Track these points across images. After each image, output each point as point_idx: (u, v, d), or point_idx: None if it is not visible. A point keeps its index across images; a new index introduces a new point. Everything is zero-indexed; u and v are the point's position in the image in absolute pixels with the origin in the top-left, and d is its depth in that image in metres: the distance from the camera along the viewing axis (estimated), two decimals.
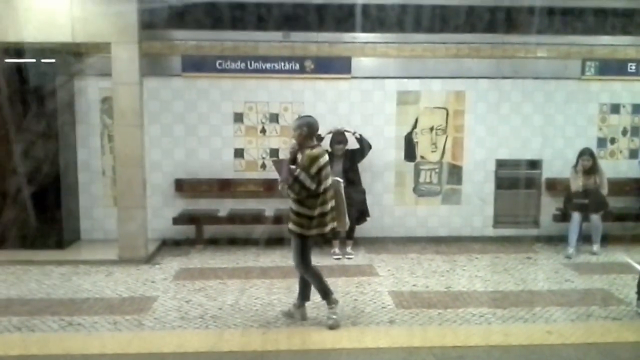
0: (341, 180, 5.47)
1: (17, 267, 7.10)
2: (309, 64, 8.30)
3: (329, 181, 5.14)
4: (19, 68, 7.64)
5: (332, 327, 5.15)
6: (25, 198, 7.66)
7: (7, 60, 7.65)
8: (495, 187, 8.69)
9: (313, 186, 4.98)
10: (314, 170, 4.96)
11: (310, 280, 5.29)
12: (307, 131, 5.13)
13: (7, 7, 6.94)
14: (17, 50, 7.39)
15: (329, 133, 7.90)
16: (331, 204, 5.18)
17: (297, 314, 5.39)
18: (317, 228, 5.09)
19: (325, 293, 5.25)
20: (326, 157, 5.17)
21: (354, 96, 8.45)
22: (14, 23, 6.94)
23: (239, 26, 8.10)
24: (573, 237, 7.80)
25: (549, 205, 8.64)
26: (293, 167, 5.09)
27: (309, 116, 5.42)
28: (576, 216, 7.83)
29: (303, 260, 5.21)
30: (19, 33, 6.96)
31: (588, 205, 7.83)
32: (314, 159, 4.99)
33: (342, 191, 5.37)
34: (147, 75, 7.69)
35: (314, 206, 5.04)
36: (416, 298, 6.04)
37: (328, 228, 5.16)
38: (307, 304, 5.46)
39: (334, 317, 5.21)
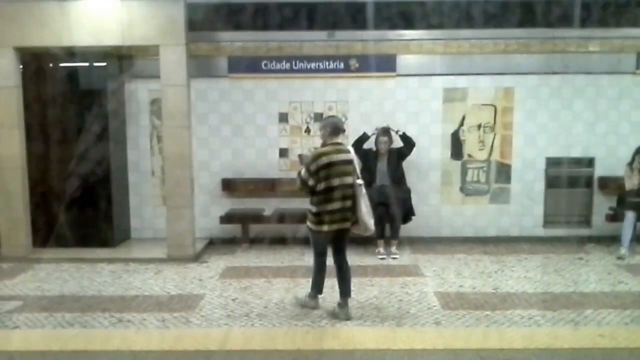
0: (361, 182, 5.38)
1: (70, 264, 7.34)
2: (353, 63, 8.28)
3: (336, 181, 5.16)
4: (72, 72, 7.90)
5: (296, 299, 5.79)
6: (78, 198, 7.91)
7: (61, 65, 7.91)
8: (545, 185, 8.48)
9: (311, 182, 5.16)
10: (313, 167, 5.13)
11: (313, 269, 5.59)
12: (330, 130, 5.34)
13: (61, 13, 7.17)
14: (70, 54, 7.64)
15: (374, 133, 7.90)
16: (339, 204, 5.21)
17: (341, 314, 5.37)
18: (317, 225, 5.26)
19: (315, 287, 5.61)
20: (336, 157, 5.18)
21: (400, 94, 8.38)
22: (67, 28, 7.17)
23: (284, 26, 8.14)
24: (627, 237, 7.52)
25: (602, 205, 8.37)
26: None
27: (334, 116, 5.71)
28: (630, 215, 7.55)
29: (313, 250, 5.52)
30: (71, 38, 7.20)
31: None
32: (317, 157, 5.17)
33: (360, 194, 5.31)
34: (194, 76, 7.83)
35: (315, 203, 5.25)
36: (463, 299, 5.94)
37: (326, 227, 5.22)
38: (351, 304, 5.45)
39: (301, 299, 5.73)
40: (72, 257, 7.52)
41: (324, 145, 5.35)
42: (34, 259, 7.52)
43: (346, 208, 5.25)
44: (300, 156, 5.52)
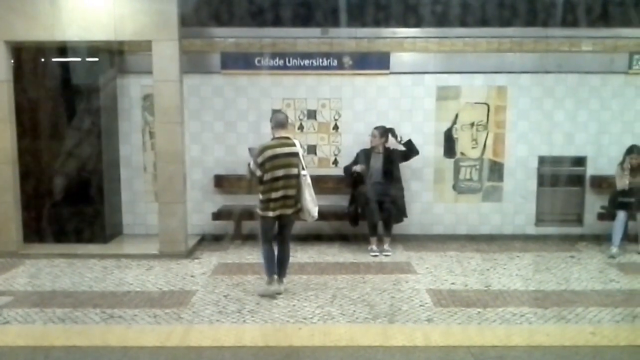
0: (305, 173, 5.87)
1: (61, 260, 7.31)
2: (347, 60, 8.27)
3: (281, 172, 5.71)
4: (64, 66, 7.84)
5: (258, 292, 6.01)
6: (70, 193, 7.89)
7: (53, 59, 7.85)
8: (537, 184, 8.51)
9: (258, 172, 5.75)
10: (260, 159, 5.72)
11: (262, 254, 6.05)
12: (273, 125, 5.96)
13: (52, 7, 7.11)
14: (62, 49, 7.57)
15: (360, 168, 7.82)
16: (282, 192, 5.74)
17: (273, 289, 6.01)
18: (263, 211, 5.81)
19: (268, 271, 6.01)
20: (279, 150, 5.74)
21: (393, 92, 8.38)
22: (59, 22, 7.11)
23: (278, 23, 8.13)
24: (618, 236, 7.56)
25: (594, 203, 8.41)
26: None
27: (279, 112, 6.52)
28: (621, 215, 7.59)
29: (261, 237, 6.00)
30: (63, 32, 7.13)
31: (634, 204, 7.58)
32: (262, 149, 5.76)
33: (304, 184, 5.81)
34: (187, 72, 7.78)
35: (262, 191, 5.79)
36: (455, 296, 5.95)
37: (271, 213, 5.77)
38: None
39: (261, 290, 6.01)
40: (63, 252, 7.48)
41: (273, 136, 5.93)
42: (25, 254, 7.46)
43: (289, 196, 5.80)
44: (249, 149, 6.06)
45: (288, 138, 5.91)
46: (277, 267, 6.05)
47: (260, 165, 5.72)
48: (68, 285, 6.36)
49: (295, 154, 5.81)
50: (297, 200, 5.84)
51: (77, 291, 6.14)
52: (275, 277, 6.03)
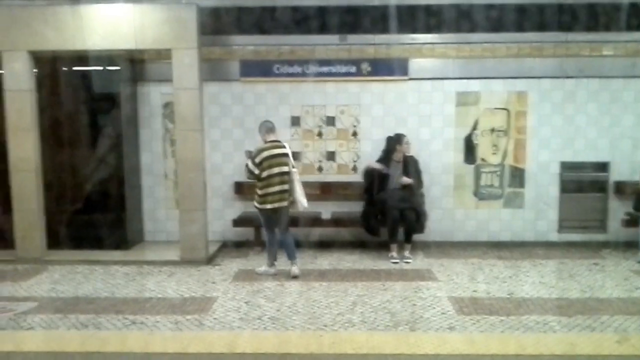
0: (295, 170, 6.82)
1: (84, 266, 7.38)
2: (365, 67, 8.27)
3: (275, 170, 6.64)
4: (86, 75, 7.95)
5: (257, 272, 7.06)
6: (92, 200, 7.97)
7: (75, 68, 7.96)
8: (560, 190, 8.41)
9: (256, 171, 6.64)
10: (257, 159, 6.63)
11: (267, 244, 7.11)
12: (264, 131, 6.85)
13: (74, 17, 7.21)
14: (84, 58, 7.67)
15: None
16: (278, 187, 6.67)
17: (291, 272, 6.88)
18: (262, 204, 6.73)
19: (270, 257, 7.03)
20: (274, 151, 6.67)
21: (412, 98, 8.36)
22: (81, 32, 7.22)
23: (296, 30, 8.15)
24: None
25: (618, 210, 8.30)
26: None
27: (267, 121, 7.05)
28: None
29: (264, 228, 7.06)
30: (85, 41, 7.24)
31: None
32: (259, 151, 6.68)
33: (295, 179, 6.76)
34: (206, 80, 7.85)
35: (260, 187, 6.71)
36: (477, 304, 5.88)
37: (269, 205, 6.70)
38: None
39: (261, 270, 7.04)
40: (86, 259, 7.56)
41: (265, 142, 6.77)
42: (48, 260, 7.56)
43: (283, 190, 6.73)
44: (247, 151, 6.86)
45: (278, 141, 6.85)
46: (286, 253, 6.96)
47: (258, 165, 6.62)
48: (90, 291, 6.41)
49: (286, 154, 6.77)
50: (290, 194, 6.77)
51: (99, 297, 6.19)
52: (277, 263, 7.06)
